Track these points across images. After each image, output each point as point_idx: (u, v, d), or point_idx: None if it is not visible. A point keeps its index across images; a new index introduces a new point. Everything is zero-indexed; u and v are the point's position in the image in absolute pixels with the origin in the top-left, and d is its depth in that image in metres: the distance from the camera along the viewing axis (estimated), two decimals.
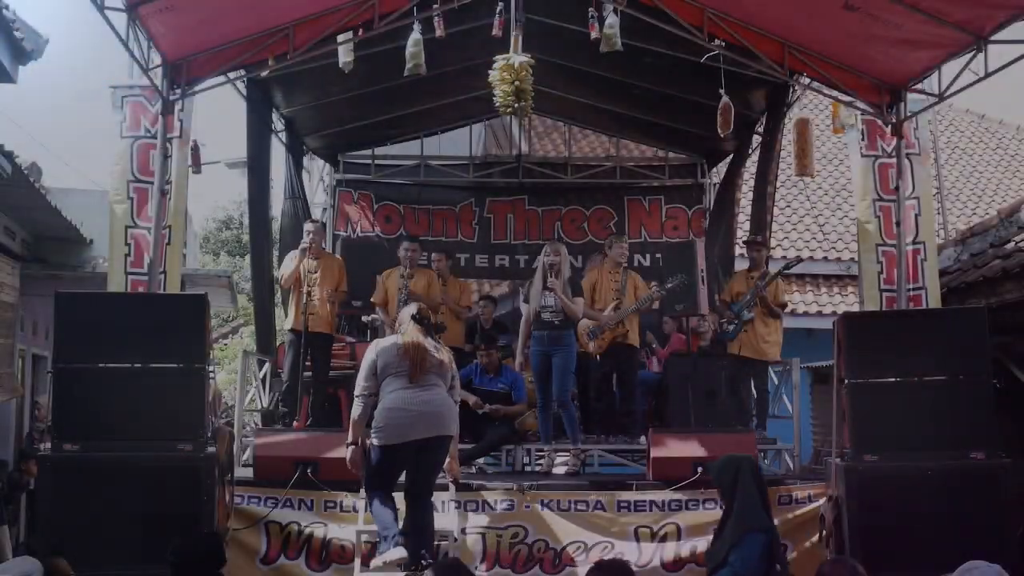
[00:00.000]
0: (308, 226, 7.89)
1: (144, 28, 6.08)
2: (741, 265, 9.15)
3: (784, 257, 12.39)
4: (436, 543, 5.55)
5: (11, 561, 4.51)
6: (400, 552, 5.16)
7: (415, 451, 5.33)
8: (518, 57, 6.12)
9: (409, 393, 5.31)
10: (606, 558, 5.53)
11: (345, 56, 6.81)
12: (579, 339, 7.27)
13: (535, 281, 7.08)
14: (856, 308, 9.33)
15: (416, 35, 6.55)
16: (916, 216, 7.16)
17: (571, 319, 6.99)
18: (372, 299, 8.10)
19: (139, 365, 5.36)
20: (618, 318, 7.47)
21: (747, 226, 10.10)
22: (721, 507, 4.99)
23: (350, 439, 5.46)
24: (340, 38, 6.77)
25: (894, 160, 7.13)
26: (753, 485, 4.74)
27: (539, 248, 10.70)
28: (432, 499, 5.56)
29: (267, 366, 8.30)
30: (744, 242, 8.92)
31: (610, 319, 7.44)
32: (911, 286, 7.03)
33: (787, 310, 12.67)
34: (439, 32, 6.40)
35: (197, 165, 7.20)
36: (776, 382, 8.20)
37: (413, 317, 5.57)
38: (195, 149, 7.10)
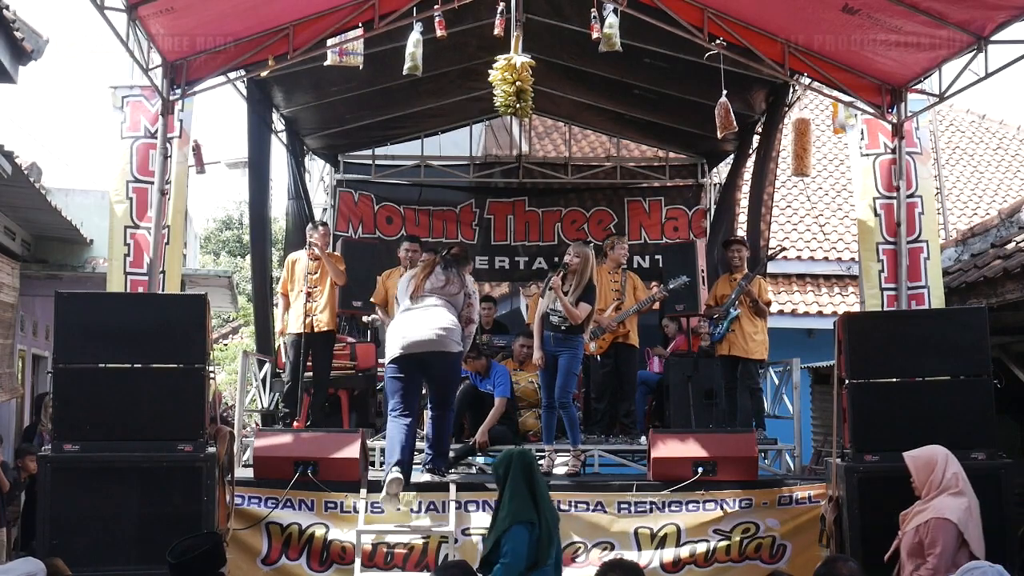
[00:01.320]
0: (316, 230, 7.66)
1: (144, 28, 6.09)
2: None
3: (784, 259, 12.35)
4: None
5: (14, 562, 4.51)
6: (395, 474, 5.67)
7: (416, 366, 5.88)
8: (519, 57, 6.11)
9: (409, 314, 5.93)
10: (614, 557, 5.52)
11: (331, 59, 6.79)
12: None
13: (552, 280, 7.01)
14: (856, 308, 9.33)
15: (416, 35, 6.53)
16: (919, 214, 7.13)
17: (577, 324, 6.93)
18: (372, 299, 8.08)
19: (139, 365, 5.35)
20: (619, 319, 7.47)
21: (747, 227, 10.08)
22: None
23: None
24: (329, 42, 6.76)
25: (895, 156, 7.11)
26: (522, 479, 4.73)
27: (539, 249, 10.86)
28: (446, 412, 6.17)
29: (267, 366, 8.28)
30: (721, 243, 8.88)
31: (611, 320, 7.44)
32: (913, 285, 7.02)
33: (788, 310, 12.84)
34: (439, 32, 6.38)
35: (201, 165, 7.18)
36: (776, 382, 8.19)
37: (441, 254, 6.22)
38: (197, 148, 7.08)
